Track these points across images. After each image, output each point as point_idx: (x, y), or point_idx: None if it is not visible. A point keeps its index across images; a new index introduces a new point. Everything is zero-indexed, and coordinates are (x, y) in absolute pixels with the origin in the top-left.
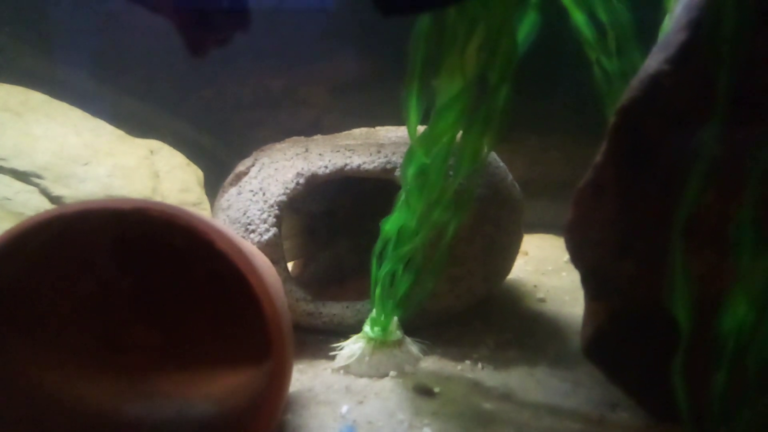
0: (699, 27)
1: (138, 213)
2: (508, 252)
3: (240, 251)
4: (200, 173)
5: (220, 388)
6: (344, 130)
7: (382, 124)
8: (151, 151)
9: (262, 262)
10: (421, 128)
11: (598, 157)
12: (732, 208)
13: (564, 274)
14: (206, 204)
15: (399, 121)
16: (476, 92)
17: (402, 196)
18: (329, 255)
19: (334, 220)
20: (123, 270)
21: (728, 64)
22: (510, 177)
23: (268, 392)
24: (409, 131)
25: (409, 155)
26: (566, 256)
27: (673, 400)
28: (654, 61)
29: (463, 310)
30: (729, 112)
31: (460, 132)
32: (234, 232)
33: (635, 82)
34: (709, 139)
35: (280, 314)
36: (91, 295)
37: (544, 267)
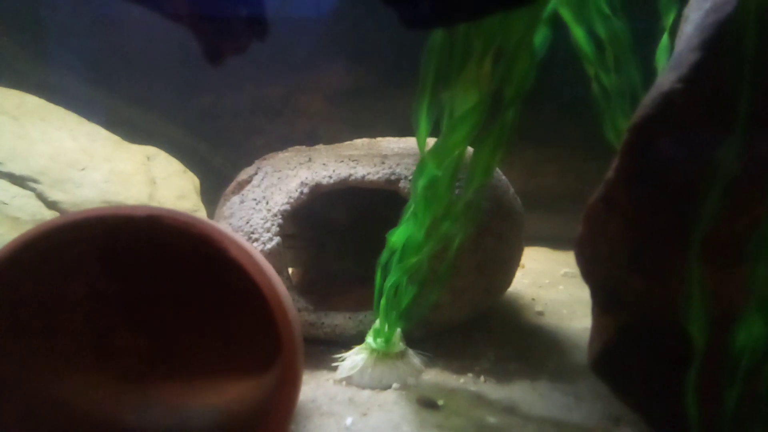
0: (712, 47)
1: (151, 220)
2: (509, 265)
3: (253, 260)
4: (196, 180)
5: (225, 396)
6: (341, 140)
7: (379, 135)
8: (148, 158)
9: (271, 270)
10: (429, 140)
11: (610, 173)
12: (743, 222)
13: (561, 287)
14: (203, 211)
15: (396, 131)
16: (490, 107)
17: (410, 207)
18: (330, 265)
19: (335, 230)
20: (131, 277)
21: (749, 82)
22: (512, 190)
23: (279, 400)
24: (418, 143)
25: (421, 167)
26: (563, 270)
27: (679, 416)
28: (667, 80)
29: (464, 322)
30: (748, 129)
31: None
32: (245, 241)
33: (648, 100)
34: (728, 156)
35: (291, 322)
36: (99, 301)
37: (541, 280)
